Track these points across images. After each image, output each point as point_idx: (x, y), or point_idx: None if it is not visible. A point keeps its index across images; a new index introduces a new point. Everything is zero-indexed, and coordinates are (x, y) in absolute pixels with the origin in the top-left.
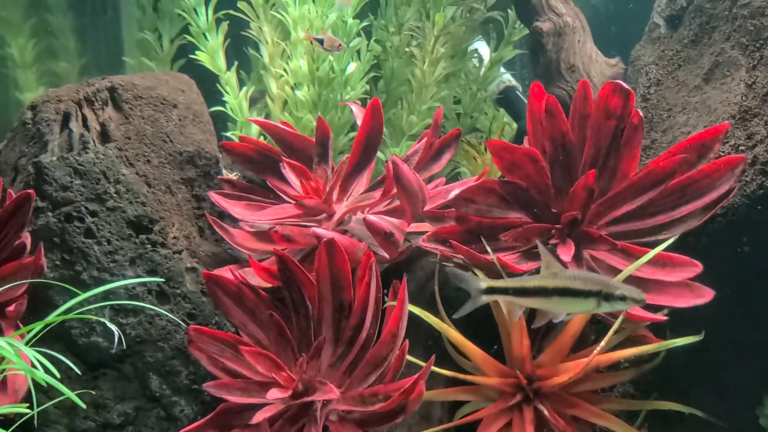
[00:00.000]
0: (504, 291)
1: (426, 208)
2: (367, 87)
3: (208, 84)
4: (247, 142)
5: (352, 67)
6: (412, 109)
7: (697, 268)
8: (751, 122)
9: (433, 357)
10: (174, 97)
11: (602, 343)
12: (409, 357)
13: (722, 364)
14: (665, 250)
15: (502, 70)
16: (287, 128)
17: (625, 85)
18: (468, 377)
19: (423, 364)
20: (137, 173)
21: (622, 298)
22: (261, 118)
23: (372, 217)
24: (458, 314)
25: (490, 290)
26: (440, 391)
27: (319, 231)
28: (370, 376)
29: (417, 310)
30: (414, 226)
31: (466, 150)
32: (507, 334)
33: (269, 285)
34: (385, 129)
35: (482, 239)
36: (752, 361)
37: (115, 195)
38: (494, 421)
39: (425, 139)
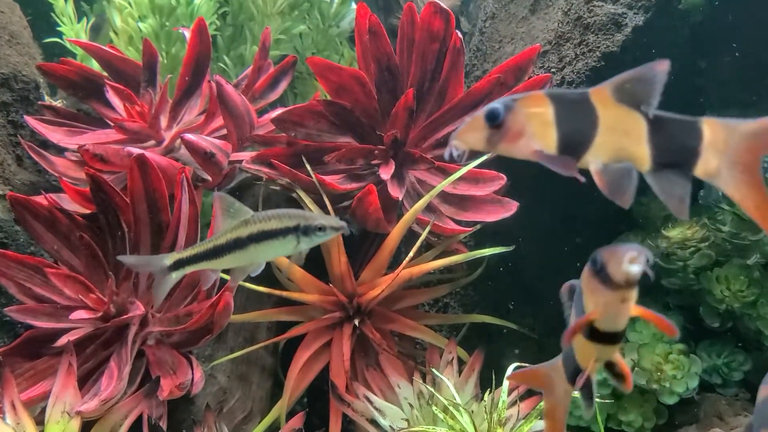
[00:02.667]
0: (195, 259)
1: (258, 133)
2: (218, 23)
3: (50, 19)
4: (68, 65)
5: None
6: (256, 40)
7: (502, 180)
8: (563, 46)
9: None
10: None
11: (410, 254)
12: (246, 284)
13: (540, 282)
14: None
15: (354, 6)
16: (114, 52)
17: (444, 5)
18: (284, 293)
19: (259, 288)
20: None
21: (321, 228)
22: (86, 41)
23: (190, 136)
24: (158, 300)
25: (179, 264)
26: (264, 312)
27: (132, 149)
28: (188, 297)
29: None
30: (247, 155)
31: (314, 85)
32: (327, 253)
33: (87, 211)
34: (230, 62)
35: (305, 161)
36: (564, 276)
37: None
38: (315, 339)
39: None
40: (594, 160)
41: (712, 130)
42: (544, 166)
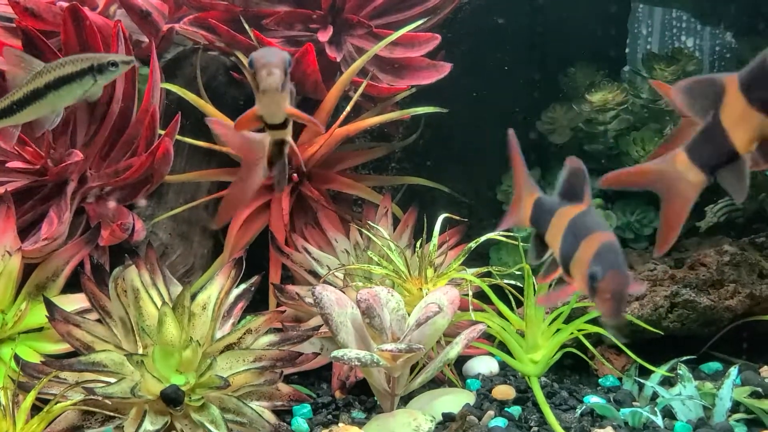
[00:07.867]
0: None
1: None
2: None
3: None
4: None
5: None
6: None
7: (437, 39)
8: None
9: (176, 117)
10: None
11: (346, 110)
12: (187, 140)
13: (471, 149)
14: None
15: None
16: None
17: None
18: (223, 149)
19: (200, 143)
20: None
21: (114, 64)
22: None
23: None
24: None
25: None
26: (204, 171)
27: (64, 3)
28: (127, 154)
29: (175, 88)
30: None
31: None
32: None
33: None
34: None
35: (243, 22)
36: (494, 143)
37: None
38: (255, 198)
39: None
40: None
41: None
42: (480, 37)
